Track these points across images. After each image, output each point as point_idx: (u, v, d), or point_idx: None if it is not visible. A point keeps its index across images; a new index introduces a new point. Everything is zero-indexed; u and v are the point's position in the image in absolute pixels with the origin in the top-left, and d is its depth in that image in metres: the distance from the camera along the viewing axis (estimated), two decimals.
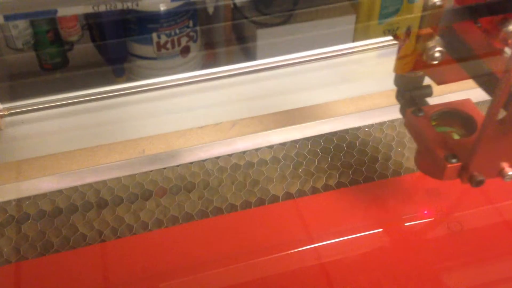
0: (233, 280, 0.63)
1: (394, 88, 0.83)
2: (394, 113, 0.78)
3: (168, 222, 0.68)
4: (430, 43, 0.53)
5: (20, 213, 0.68)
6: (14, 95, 0.84)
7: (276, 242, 0.66)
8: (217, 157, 0.75)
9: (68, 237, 0.65)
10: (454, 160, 0.54)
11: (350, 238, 0.67)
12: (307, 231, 0.67)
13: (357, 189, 0.72)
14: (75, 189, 0.71)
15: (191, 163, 0.74)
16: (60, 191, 0.70)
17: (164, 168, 0.73)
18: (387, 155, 0.75)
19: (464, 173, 0.54)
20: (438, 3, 0.51)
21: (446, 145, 0.56)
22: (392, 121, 0.80)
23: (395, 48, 0.94)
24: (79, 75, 0.86)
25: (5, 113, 0.78)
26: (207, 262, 0.64)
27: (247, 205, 0.70)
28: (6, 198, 0.69)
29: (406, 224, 0.69)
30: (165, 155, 0.75)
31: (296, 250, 0.65)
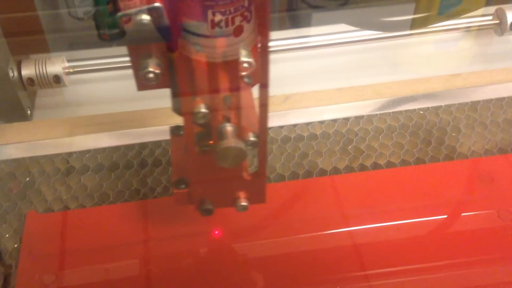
0: (268, 252, 0.65)
1: (451, 72, 0.79)
2: (451, 98, 0.80)
3: None
4: (144, 63, 0.45)
5: (80, 164, 0.73)
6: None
7: (326, 214, 0.68)
8: (269, 128, 0.75)
9: (123, 191, 0.70)
10: (182, 186, 0.53)
11: (388, 223, 0.67)
12: (341, 208, 0.68)
13: (405, 170, 0.73)
14: (132, 147, 0.74)
15: None
16: (118, 148, 0.74)
17: None
18: (440, 139, 0.76)
19: (193, 200, 0.53)
20: None
21: (183, 169, 0.53)
22: (448, 106, 0.80)
23: (453, 34, 0.93)
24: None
25: (71, 70, 0.80)
26: (248, 229, 0.67)
27: (294, 176, 0.73)
28: (67, 150, 0.74)
29: (454, 210, 0.69)
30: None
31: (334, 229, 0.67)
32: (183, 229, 0.66)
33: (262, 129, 0.47)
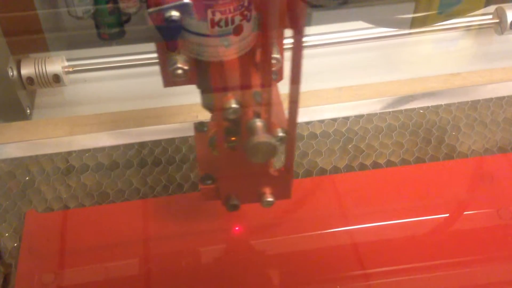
0: (268, 252, 0.65)
1: (451, 71, 0.79)
2: (451, 97, 0.79)
3: None
4: (173, 59, 0.46)
5: (80, 163, 0.73)
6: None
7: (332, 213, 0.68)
8: None
9: (123, 190, 0.70)
10: (208, 182, 0.53)
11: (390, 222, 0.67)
12: (341, 207, 0.68)
13: (405, 169, 0.73)
14: (131, 146, 0.74)
15: None
16: (117, 147, 0.74)
17: None
18: (440, 138, 0.76)
19: (220, 195, 0.53)
20: None
21: (209, 165, 0.54)
22: (448, 105, 0.79)
23: (453, 33, 0.93)
24: (134, 46, 0.73)
25: (70, 69, 0.80)
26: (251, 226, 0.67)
27: (294, 175, 0.69)
28: (67, 149, 0.74)
29: (454, 209, 0.69)
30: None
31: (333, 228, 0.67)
32: (183, 228, 0.66)
33: (291, 125, 0.47)
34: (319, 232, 0.66)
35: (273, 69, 0.47)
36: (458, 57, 0.93)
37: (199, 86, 0.49)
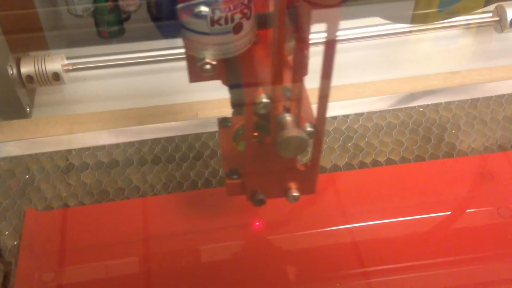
0: (268, 251, 0.65)
1: (450, 69, 0.79)
2: (450, 96, 0.80)
3: (217, 183, 0.71)
4: (201, 55, 0.46)
5: (79, 162, 0.72)
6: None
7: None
8: None
9: (123, 188, 0.70)
10: (235, 177, 0.53)
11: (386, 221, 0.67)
12: (341, 205, 0.68)
13: (405, 168, 0.73)
14: (131, 144, 0.74)
15: None
16: (117, 145, 0.74)
17: (216, 132, 0.75)
18: (440, 136, 0.76)
19: (246, 190, 0.53)
20: None
21: (234, 160, 0.54)
22: (448, 103, 0.79)
23: (453, 31, 0.92)
24: (134, 44, 0.74)
25: (70, 68, 0.80)
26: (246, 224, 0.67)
27: None
28: (67, 147, 0.74)
29: (454, 208, 0.69)
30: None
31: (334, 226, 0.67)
32: (182, 227, 0.66)
33: (320, 120, 0.47)
34: (318, 230, 0.66)
35: None
36: (458, 55, 0.93)
37: (227, 82, 0.50)
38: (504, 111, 0.79)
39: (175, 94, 0.82)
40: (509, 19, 0.87)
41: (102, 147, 0.73)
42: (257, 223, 0.66)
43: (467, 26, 0.92)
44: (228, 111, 0.78)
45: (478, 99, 0.80)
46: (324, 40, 0.41)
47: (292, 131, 0.46)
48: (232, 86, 0.50)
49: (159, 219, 0.67)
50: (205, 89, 0.83)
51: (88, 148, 0.73)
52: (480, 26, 0.92)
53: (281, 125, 0.46)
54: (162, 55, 0.82)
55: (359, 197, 0.69)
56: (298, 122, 0.47)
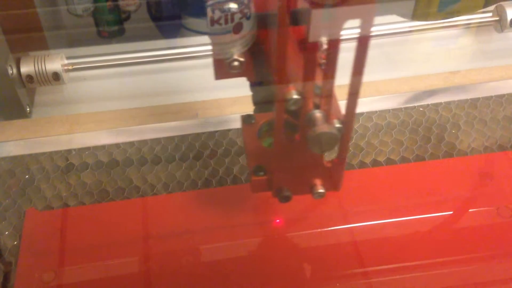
0: (267, 250, 0.65)
1: (450, 69, 0.79)
2: (450, 95, 0.80)
3: (217, 183, 0.71)
4: (229, 52, 0.47)
5: (79, 161, 0.72)
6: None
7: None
8: None
9: (123, 188, 0.70)
10: (260, 173, 0.53)
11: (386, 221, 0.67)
12: (340, 204, 0.68)
13: (405, 167, 0.73)
14: (131, 144, 0.74)
15: None
16: (117, 145, 0.74)
17: (216, 131, 0.76)
18: (440, 136, 0.76)
19: (271, 187, 0.53)
20: None
21: (259, 156, 0.54)
22: (448, 103, 0.79)
23: (453, 31, 0.93)
24: (134, 44, 0.74)
25: (70, 67, 0.80)
26: (250, 223, 0.67)
27: None
28: (67, 147, 0.74)
29: (453, 207, 0.69)
30: (217, 119, 0.77)
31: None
32: (182, 227, 0.66)
33: (349, 116, 0.47)
34: (318, 230, 0.66)
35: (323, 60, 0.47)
36: (458, 55, 0.93)
37: (253, 78, 0.51)
38: (504, 111, 0.79)
39: (175, 94, 0.82)
40: (509, 19, 0.87)
41: (102, 147, 0.73)
42: (278, 220, 0.66)
43: (467, 26, 0.92)
44: (227, 111, 0.79)
45: (478, 98, 0.80)
46: (355, 36, 0.41)
47: (323, 127, 0.46)
48: (258, 84, 0.50)
49: (159, 219, 0.67)
50: (205, 89, 0.83)
51: (88, 148, 0.73)
52: (480, 26, 0.91)
53: (312, 121, 0.46)
54: (162, 55, 0.82)
55: (359, 196, 0.69)
56: (328, 118, 0.47)
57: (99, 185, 0.70)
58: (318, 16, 0.42)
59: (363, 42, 0.41)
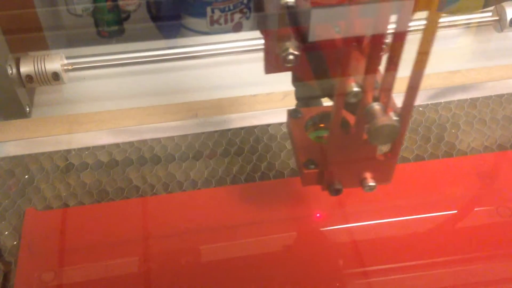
0: (267, 250, 0.65)
1: (450, 69, 0.79)
2: (450, 95, 0.80)
3: (217, 183, 0.71)
4: (284, 45, 0.47)
5: (79, 161, 0.72)
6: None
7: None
8: (268, 125, 0.77)
9: (122, 188, 0.70)
10: (312, 166, 0.53)
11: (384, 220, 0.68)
12: (340, 204, 0.68)
13: (404, 167, 0.73)
14: (131, 144, 0.74)
15: (242, 128, 0.76)
16: (117, 145, 0.74)
17: (216, 131, 0.76)
18: (440, 135, 0.76)
19: (322, 180, 0.53)
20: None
21: (309, 150, 0.54)
22: (448, 103, 0.79)
23: (453, 30, 0.93)
24: (134, 44, 0.75)
25: (69, 67, 0.80)
26: (247, 223, 0.67)
27: (293, 173, 0.72)
28: (66, 147, 0.74)
29: (453, 207, 0.69)
30: (217, 119, 0.77)
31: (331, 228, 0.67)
32: (182, 227, 0.66)
33: (407, 110, 0.47)
34: (318, 230, 0.66)
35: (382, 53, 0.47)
36: (458, 55, 0.93)
37: (306, 72, 0.50)
38: (504, 111, 0.79)
39: (175, 94, 0.82)
40: (509, 19, 0.87)
41: (102, 147, 0.73)
42: (318, 215, 0.67)
43: (467, 26, 0.92)
44: (227, 111, 0.79)
45: (478, 98, 0.80)
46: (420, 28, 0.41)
47: (384, 119, 0.45)
48: (313, 77, 0.50)
49: (158, 219, 0.67)
50: (205, 89, 0.83)
51: (87, 148, 0.73)
52: (480, 25, 0.91)
53: (371, 114, 0.46)
54: (162, 55, 0.82)
55: (358, 196, 0.69)
56: (386, 111, 0.47)
57: (99, 185, 0.70)
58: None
59: (428, 34, 0.41)
